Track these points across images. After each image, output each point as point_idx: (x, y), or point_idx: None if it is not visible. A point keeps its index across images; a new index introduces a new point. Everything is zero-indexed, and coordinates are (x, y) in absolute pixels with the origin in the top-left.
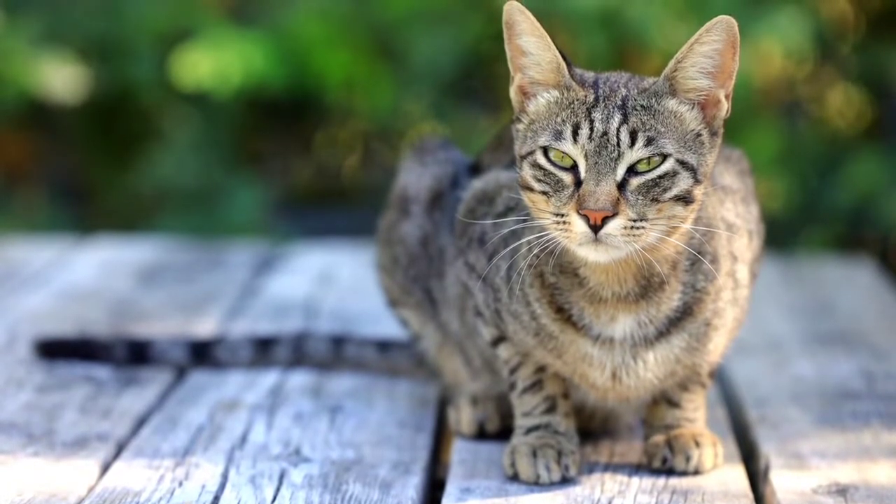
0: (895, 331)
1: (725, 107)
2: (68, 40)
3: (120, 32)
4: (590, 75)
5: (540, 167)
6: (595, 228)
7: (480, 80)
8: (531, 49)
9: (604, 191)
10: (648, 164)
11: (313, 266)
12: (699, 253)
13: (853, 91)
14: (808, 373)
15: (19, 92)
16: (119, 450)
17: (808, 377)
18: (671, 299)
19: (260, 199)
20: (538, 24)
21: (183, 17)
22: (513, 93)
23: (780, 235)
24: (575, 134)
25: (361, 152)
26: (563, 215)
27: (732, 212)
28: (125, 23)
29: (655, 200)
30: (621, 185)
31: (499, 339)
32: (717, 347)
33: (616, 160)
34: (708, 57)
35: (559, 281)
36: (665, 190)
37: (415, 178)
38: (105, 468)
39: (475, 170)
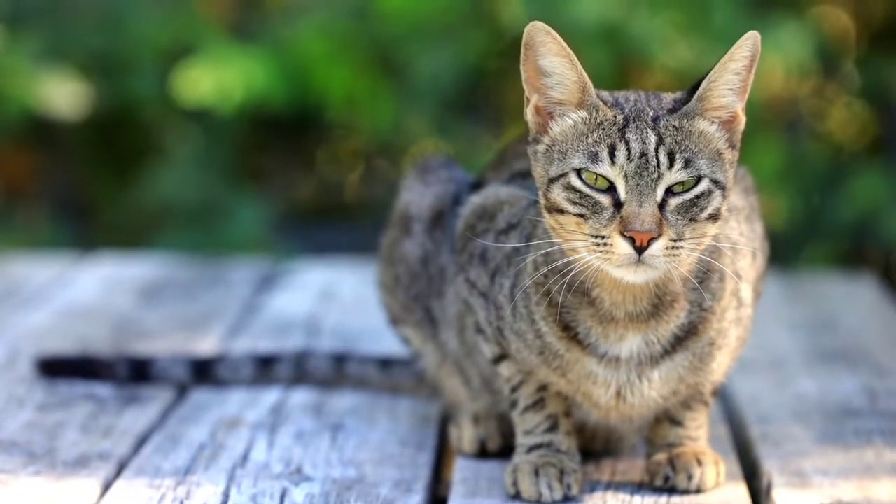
0: None
1: (743, 120)
2: (70, 57)
3: (122, 49)
4: (606, 94)
5: (575, 189)
6: (640, 250)
7: (483, 96)
8: (556, 69)
9: (648, 212)
10: (683, 185)
11: (315, 283)
12: (707, 271)
13: (856, 106)
14: (811, 390)
15: (21, 108)
16: (120, 469)
17: (810, 394)
18: (678, 317)
19: (262, 216)
20: (565, 44)
21: (184, 33)
22: (529, 114)
23: (782, 252)
24: (612, 155)
25: (363, 169)
26: (603, 237)
27: (736, 230)
28: (127, 39)
29: (693, 220)
30: (660, 206)
31: (500, 357)
32: (720, 367)
33: (656, 181)
34: (737, 73)
35: (566, 299)
36: (702, 209)
37: (417, 196)
38: (106, 487)
39: (477, 188)
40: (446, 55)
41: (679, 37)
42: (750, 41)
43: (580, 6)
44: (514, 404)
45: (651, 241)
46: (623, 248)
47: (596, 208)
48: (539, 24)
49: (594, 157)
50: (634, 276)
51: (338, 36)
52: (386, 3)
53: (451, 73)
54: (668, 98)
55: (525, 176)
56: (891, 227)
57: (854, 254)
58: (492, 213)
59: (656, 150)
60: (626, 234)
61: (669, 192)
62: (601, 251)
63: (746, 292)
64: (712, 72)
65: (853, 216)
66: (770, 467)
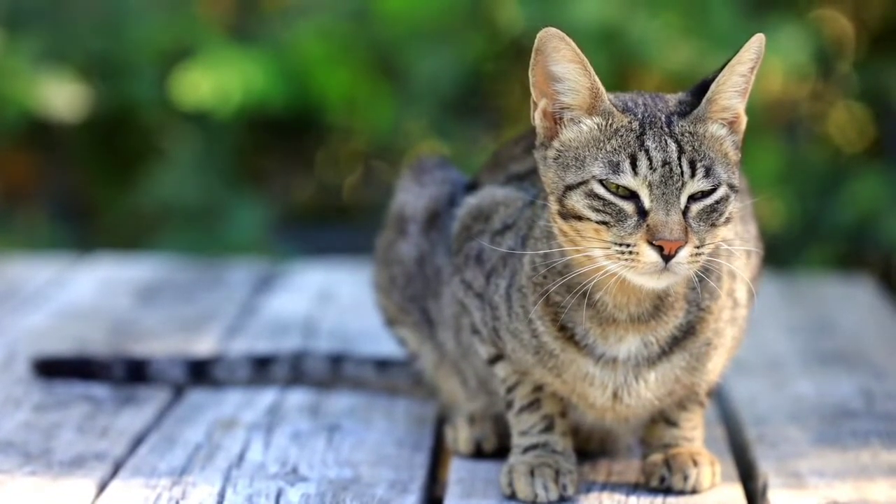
0: (895, 350)
1: (745, 120)
2: (69, 59)
3: (121, 51)
4: (611, 96)
5: (598, 197)
6: (667, 258)
7: (482, 98)
8: (568, 75)
9: (675, 220)
10: (703, 191)
11: (313, 284)
12: (705, 271)
13: (855, 109)
14: (808, 392)
15: (20, 110)
16: (116, 469)
17: (807, 396)
18: (677, 318)
19: (261, 218)
20: (579, 50)
21: (184, 35)
22: (536, 119)
23: (781, 254)
24: (633, 166)
25: (362, 171)
26: (629, 245)
27: (732, 231)
28: (126, 41)
29: (713, 225)
30: (683, 213)
31: (496, 358)
32: (716, 367)
33: (680, 189)
34: (742, 76)
35: (564, 300)
36: (721, 214)
37: (412, 197)
38: (102, 487)
39: (472, 189)
40: (445, 57)
41: (678, 39)
42: (756, 44)
43: (579, 8)
44: (509, 405)
45: (678, 249)
46: (651, 256)
47: (620, 216)
48: (553, 29)
49: (615, 168)
50: (657, 283)
51: (337, 38)
52: (385, 6)
53: (450, 75)
54: (673, 100)
55: (522, 178)
56: (890, 230)
57: (853, 256)
58: (487, 215)
59: (679, 158)
60: (654, 242)
61: (690, 198)
62: (626, 259)
63: (742, 292)
64: (721, 75)
65: (852, 219)
66: (766, 468)
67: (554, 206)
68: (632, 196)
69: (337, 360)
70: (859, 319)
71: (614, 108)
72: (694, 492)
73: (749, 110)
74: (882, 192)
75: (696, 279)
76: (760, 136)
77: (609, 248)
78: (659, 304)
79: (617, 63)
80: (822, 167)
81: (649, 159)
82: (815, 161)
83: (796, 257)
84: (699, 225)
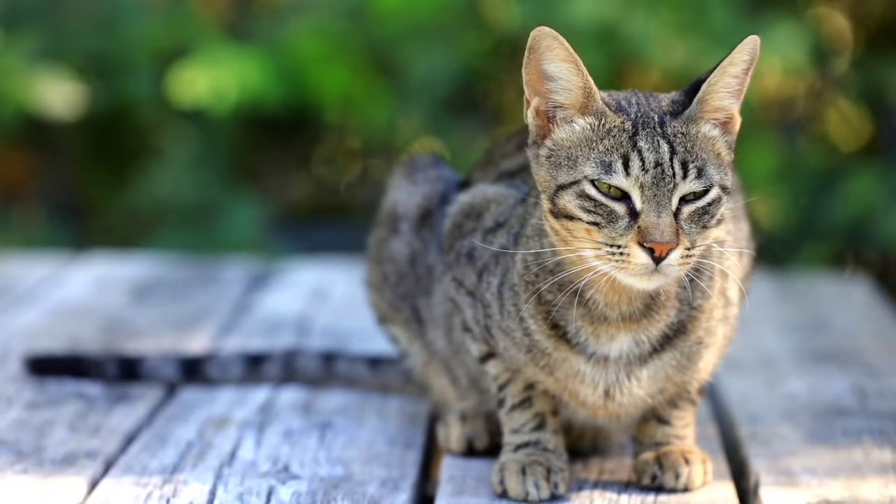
0: (889, 348)
1: (739, 121)
2: (66, 57)
3: (117, 49)
4: (605, 95)
5: (590, 197)
6: (658, 260)
7: (477, 95)
8: (561, 74)
9: (666, 222)
10: (695, 193)
11: (307, 283)
12: (696, 270)
13: (851, 108)
14: (801, 390)
15: (17, 109)
16: (107, 467)
17: (800, 394)
18: (669, 316)
19: (257, 216)
20: (571, 50)
21: (180, 33)
22: (529, 117)
23: (776, 252)
24: (626, 166)
25: (359, 169)
26: (619, 246)
27: (724, 229)
28: (122, 40)
29: (705, 227)
30: (674, 215)
31: (488, 356)
32: (707, 365)
33: (672, 191)
34: (735, 77)
35: (556, 298)
36: (712, 216)
37: (405, 195)
38: (93, 485)
39: (465, 187)
40: (441, 55)
41: (675, 37)
42: (749, 45)
43: (576, 7)
44: (501, 403)
45: (669, 251)
46: (641, 258)
47: (611, 217)
48: (546, 28)
49: (608, 168)
50: (647, 284)
51: (333, 36)
52: (381, 4)
53: (447, 73)
54: (666, 99)
55: (513, 175)
56: (886, 229)
57: (849, 255)
58: (479, 212)
59: (671, 159)
60: (645, 244)
61: (682, 200)
62: (616, 260)
63: (733, 291)
64: (712, 75)
65: (848, 217)
66: (758, 466)
67: (546, 205)
68: (623, 197)
69: (329, 359)
70: (854, 318)
71: (607, 108)
72: (685, 490)
73: (746, 108)
74: (878, 191)
75: (688, 278)
76: (757, 134)
77: (600, 249)
78: (650, 303)
79: (614, 62)
80: (819, 165)
81: (642, 160)
82: (811, 159)
83: (792, 256)
84: (690, 227)
